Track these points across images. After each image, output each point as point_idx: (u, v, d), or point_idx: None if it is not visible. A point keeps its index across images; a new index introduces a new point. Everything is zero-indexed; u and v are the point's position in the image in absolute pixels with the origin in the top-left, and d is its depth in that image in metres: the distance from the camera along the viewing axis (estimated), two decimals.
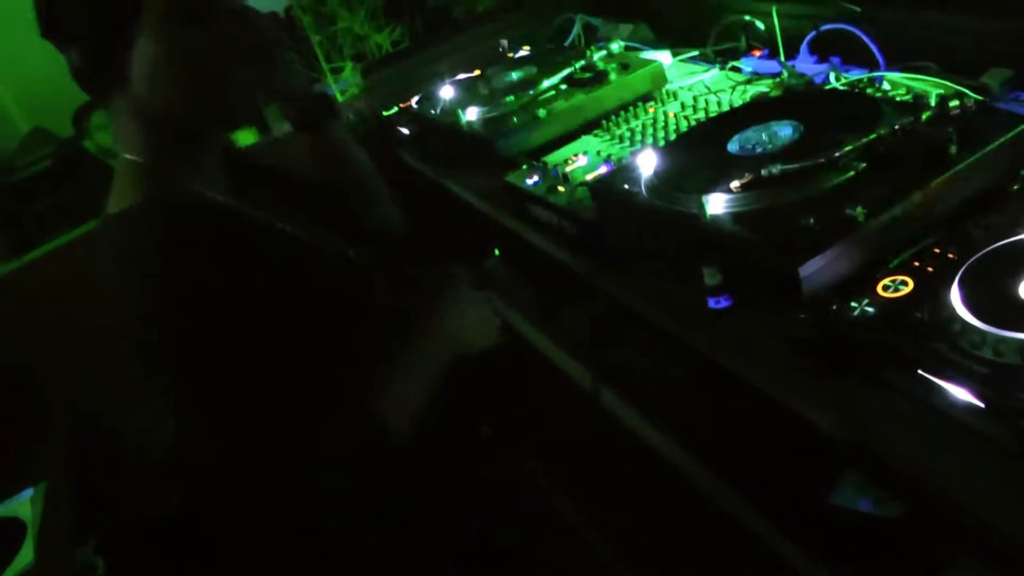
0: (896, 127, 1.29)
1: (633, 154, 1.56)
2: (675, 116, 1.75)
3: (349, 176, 1.56)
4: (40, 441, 2.33)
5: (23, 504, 2.07)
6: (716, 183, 1.33)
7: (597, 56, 1.97)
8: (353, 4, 2.67)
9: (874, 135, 1.28)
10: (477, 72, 2.26)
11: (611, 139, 1.76)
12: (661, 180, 1.42)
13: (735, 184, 1.30)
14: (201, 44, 1.13)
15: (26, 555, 1.89)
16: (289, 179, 1.51)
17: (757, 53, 1.94)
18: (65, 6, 1.12)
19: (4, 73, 6.29)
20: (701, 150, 1.49)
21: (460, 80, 2.23)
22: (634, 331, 1.70)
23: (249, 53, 1.19)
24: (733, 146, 1.44)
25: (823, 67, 1.78)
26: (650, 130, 1.73)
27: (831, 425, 1.12)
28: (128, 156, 1.16)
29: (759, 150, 1.41)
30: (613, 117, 1.84)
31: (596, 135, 1.81)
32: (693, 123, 1.69)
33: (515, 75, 2.12)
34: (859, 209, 1.18)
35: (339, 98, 2.73)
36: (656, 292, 1.41)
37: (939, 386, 0.98)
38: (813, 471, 1.29)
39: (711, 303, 1.30)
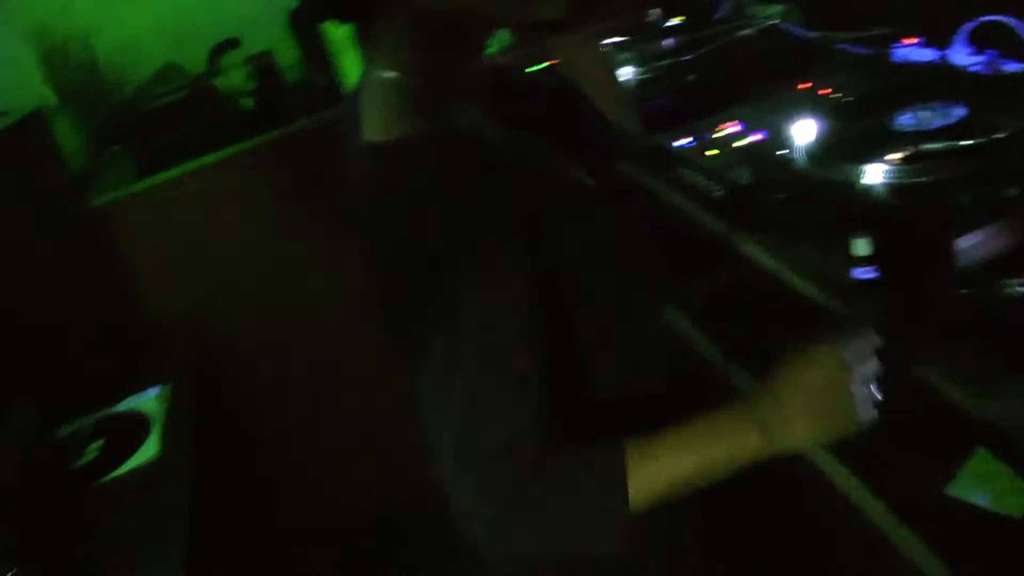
0: None
1: (788, 123, 1.58)
2: (828, 93, 1.76)
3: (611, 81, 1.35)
4: (167, 345, 2.45)
5: (149, 401, 2.18)
6: (874, 154, 1.35)
7: (751, 29, 1.99)
8: None
9: None
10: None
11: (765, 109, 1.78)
12: (819, 148, 1.45)
13: (895, 156, 1.32)
14: None
15: (151, 448, 1.99)
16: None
17: (910, 41, 1.93)
18: None
19: (141, 8, 6.51)
20: (861, 122, 1.51)
21: (614, 43, 2.25)
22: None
23: None
24: (894, 120, 1.46)
25: (979, 59, 1.77)
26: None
27: (972, 405, 1.13)
28: (388, 74, 1.01)
29: (921, 126, 1.43)
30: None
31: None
32: (847, 100, 1.70)
33: (669, 42, 2.14)
34: (1018, 191, 1.19)
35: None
36: (798, 259, 1.43)
37: None
38: (936, 458, 1.29)
39: (857, 273, 1.31)
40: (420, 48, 0.99)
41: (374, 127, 0.99)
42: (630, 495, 0.94)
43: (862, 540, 1.43)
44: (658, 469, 0.95)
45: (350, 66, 3.92)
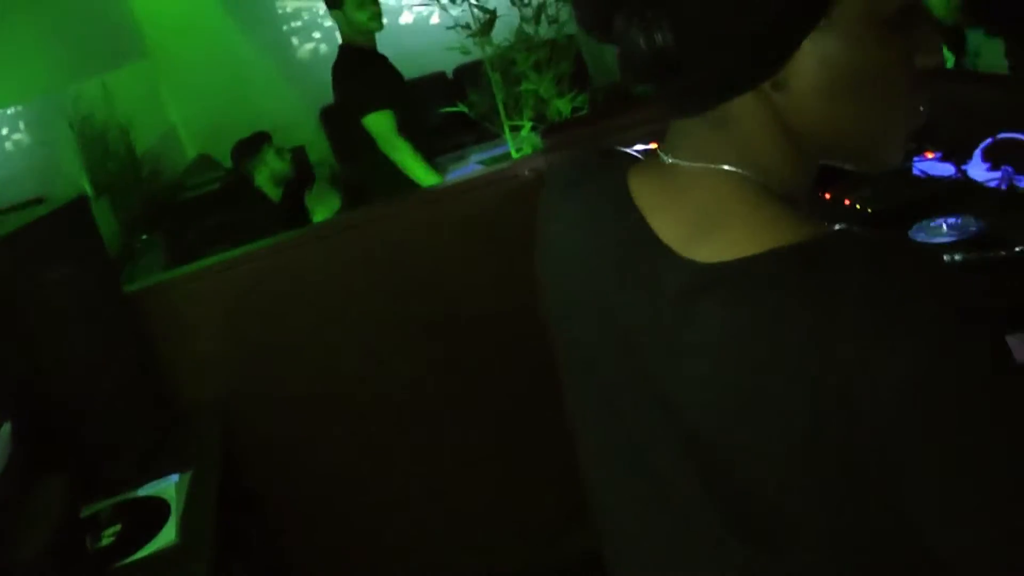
0: None
1: None
2: (850, 203, 1.81)
3: None
4: (192, 431, 2.46)
5: (168, 487, 2.19)
6: None
7: None
8: (542, 68, 2.81)
9: None
10: (653, 145, 2.35)
11: None
12: None
13: None
14: (896, 58, 0.83)
15: (168, 534, 1.99)
16: None
17: (930, 155, 1.98)
18: None
19: (179, 104, 6.75)
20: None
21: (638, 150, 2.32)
22: None
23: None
24: (912, 232, 1.50)
25: (996, 174, 1.81)
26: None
27: None
28: (729, 168, 0.85)
29: (937, 238, 1.46)
30: None
31: None
32: (869, 211, 1.75)
33: None
34: None
35: (513, 155, 2.87)
36: None
37: None
38: None
39: None
40: (790, 156, 0.86)
41: (740, 232, 0.81)
42: None
43: None
44: None
45: (380, 163, 3.97)
